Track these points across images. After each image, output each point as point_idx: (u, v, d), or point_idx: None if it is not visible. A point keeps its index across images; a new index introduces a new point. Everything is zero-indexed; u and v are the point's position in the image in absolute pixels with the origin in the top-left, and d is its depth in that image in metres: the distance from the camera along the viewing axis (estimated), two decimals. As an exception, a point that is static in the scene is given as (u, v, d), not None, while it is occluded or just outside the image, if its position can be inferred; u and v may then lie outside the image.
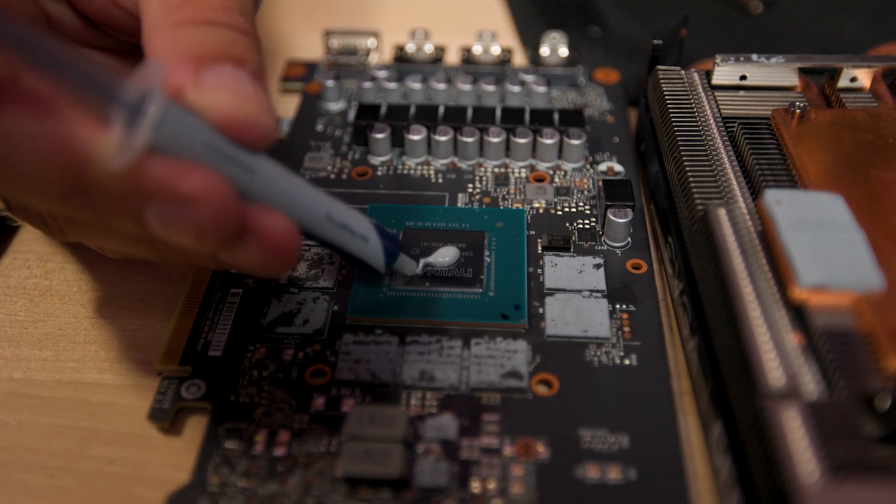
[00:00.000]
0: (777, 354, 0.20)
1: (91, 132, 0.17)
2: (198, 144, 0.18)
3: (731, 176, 0.26)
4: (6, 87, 0.17)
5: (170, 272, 0.29)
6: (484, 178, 0.32)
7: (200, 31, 0.20)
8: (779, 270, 0.22)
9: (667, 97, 0.30)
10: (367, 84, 0.35)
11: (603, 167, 0.32)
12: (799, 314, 0.21)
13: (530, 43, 0.40)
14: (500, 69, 0.37)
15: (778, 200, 0.23)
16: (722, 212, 0.24)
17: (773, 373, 0.20)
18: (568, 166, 0.32)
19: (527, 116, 0.33)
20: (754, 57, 0.30)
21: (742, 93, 0.30)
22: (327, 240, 0.23)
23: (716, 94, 0.30)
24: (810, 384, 0.20)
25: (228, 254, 0.19)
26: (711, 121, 0.29)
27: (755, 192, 0.26)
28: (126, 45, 0.28)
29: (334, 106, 0.35)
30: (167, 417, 0.24)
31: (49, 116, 0.17)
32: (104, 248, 0.24)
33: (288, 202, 0.21)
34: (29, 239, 0.31)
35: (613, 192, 0.29)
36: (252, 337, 0.26)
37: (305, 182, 0.22)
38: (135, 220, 0.18)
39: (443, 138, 0.32)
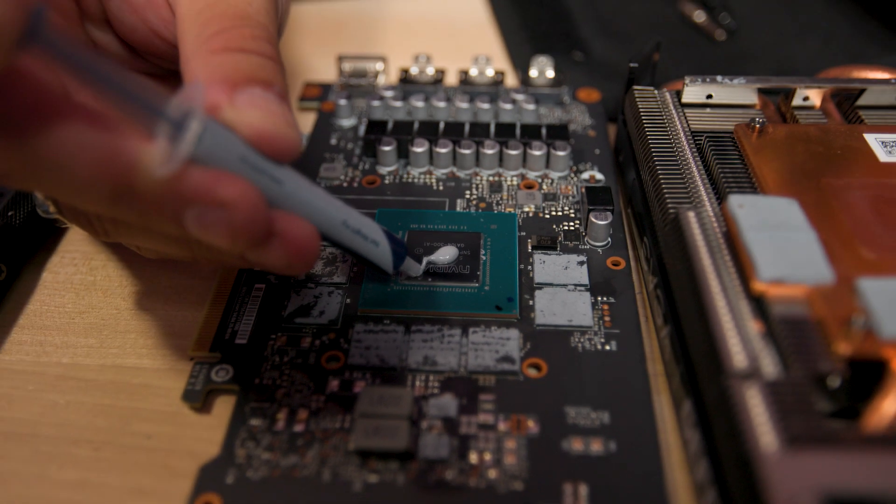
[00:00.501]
0: (740, 340, 0.20)
1: (137, 144, 0.18)
2: (233, 157, 0.19)
3: (699, 183, 0.26)
4: (61, 102, 0.17)
5: (200, 270, 0.29)
6: (480, 186, 0.32)
7: (233, 57, 0.21)
8: (741, 266, 0.22)
9: (642, 114, 0.30)
10: (376, 103, 0.35)
11: (585, 176, 0.32)
12: (759, 304, 0.22)
13: (520, 66, 0.40)
14: (494, 89, 0.37)
15: (740, 204, 0.23)
16: (691, 215, 0.24)
17: (737, 356, 0.20)
18: (554, 175, 0.32)
19: (518, 131, 0.33)
20: (719, 78, 0.30)
21: (708, 110, 0.31)
22: (342, 243, 0.23)
23: (685, 111, 0.30)
24: (769, 366, 0.20)
25: (256, 254, 0.20)
26: (681, 134, 0.29)
27: (720, 197, 0.26)
28: (164, 69, 0.28)
29: (346, 122, 0.36)
30: (199, 398, 0.24)
31: (100, 129, 0.17)
32: (142, 249, 0.24)
33: (309, 209, 0.21)
34: (75, 240, 0.31)
35: (595, 197, 0.29)
36: (274, 327, 0.26)
37: (324, 192, 0.22)
38: (174, 222, 0.19)
39: (443, 150, 0.32)
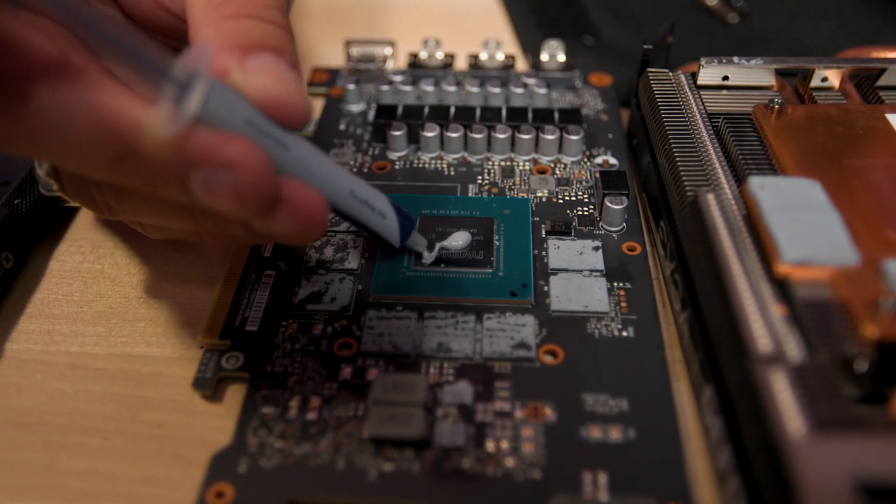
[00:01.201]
0: (764, 323, 0.20)
1: (139, 106, 0.17)
2: (239, 119, 0.18)
3: (717, 165, 0.26)
4: (59, 65, 0.17)
5: (210, 256, 0.29)
6: (492, 171, 0.31)
7: (244, 23, 0.20)
8: (763, 248, 0.22)
9: (657, 96, 0.29)
10: (385, 87, 0.35)
11: (599, 160, 0.32)
12: (782, 287, 0.21)
13: (530, 50, 0.40)
14: (505, 74, 0.37)
15: (761, 186, 0.23)
16: (711, 197, 0.23)
17: (761, 340, 0.19)
18: (567, 160, 0.32)
19: (530, 115, 0.33)
20: (736, 59, 0.30)
21: (724, 92, 0.30)
22: (349, 214, 0.23)
23: (701, 93, 0.30)
24: (794, 350, 0.19)
25: (262, 222, 0.19)
26: (698, 117, 0.28)
27: (739, 179, 0.26)
28: (169, 48, 0.27)
29: (355, 107, 0.35)
30: (209, 386, 0.24)
31: (101, 91, 0.17)
32: (146, 227, 0.24)
33: (316, 177, 0.21)
34: (82, 228, 0.30)
35: (610, 182, 0.29)
36: (285, 314, 0.26)
37: (332, 160, 0.22)
38: (180, 187, 0.18)
39: (454, 135, 0.32)
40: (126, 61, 0.17)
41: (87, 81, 0.17)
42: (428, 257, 0.27)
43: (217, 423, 0.23)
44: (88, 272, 0.29)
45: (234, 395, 0.24)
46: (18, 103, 0.17)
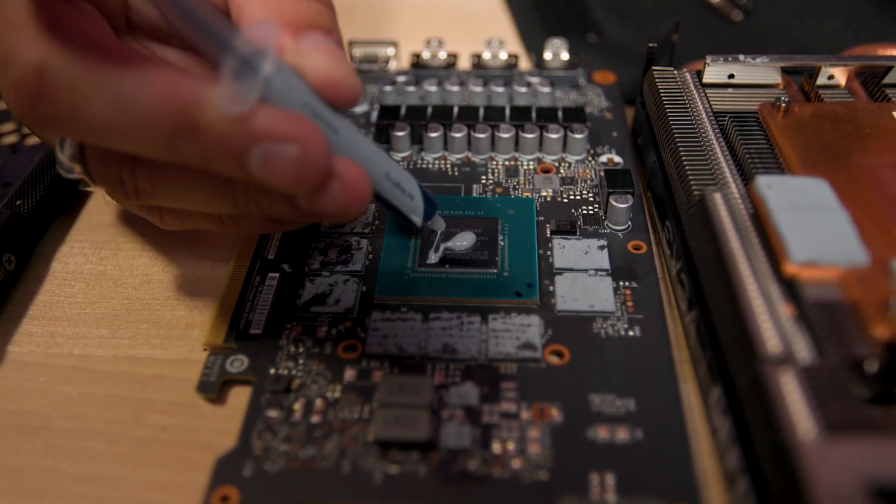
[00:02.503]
0: (773, 324, 0.20)
1: (201, 82, 0.18)
2: (298, 101, 0.19)
3: (724, 164, 0.26)
4: (121, 48, 0.18)
5: (214, 257, 0.29)
6: (496, 171, 0.31)
7: (294, 2, 0.21)
8: (771, 248, 0.22)
9: (662, 95, 0.29)
10: (388, 88, 0.35)
11: (603, 159, 0.32)
12: (791, 288, 0.21)
13: (534, 49, 0.40)
14: (508, 73, 0.36)
15: (769, 185, 0.23)
16: (718, 196, 0.23)
17: (770, 341, 0.19)
18: (572, 158, 0.32)
19: (533, 114, 0.33)
20: (741, 57, 0.30)
21: (730, 90, 0.30)
22: (381, 193, 0.24)
23: (706, 91, 0.30)
24: (804, 350, 0.19)
25: (312, 199, 0.20)
26: (703, 115, 0.28)
27: (746, 178, 0.25)
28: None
29: (358, 108, 0.35)
30: (214, 389, 0.23)
31: (162, 68, 0.18)
32: (165, 216, 0.24)
33: (360, 158, 0.21)
34: (85, 229, 0.30)
35: (615, 180, 0.28)
36: (289, 316, 0.25)
37: (373, 143, 0.23)
38: (237, 163, 0.18)
39: (457, 135, 0.32)
40: (191, 27, 0.17)
41: (146, 61, 0.18)
42: (433, 258, 0.27)
43: (222, 426, 0.23)
44: (91, 274, 0.28)
45: (239, 398, 0.24)
46: (81, 81, 0.17)
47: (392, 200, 0.24)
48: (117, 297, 0.27)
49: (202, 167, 0.19)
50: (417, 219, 0.26)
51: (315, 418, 0.22)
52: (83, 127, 0.18)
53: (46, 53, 0.17)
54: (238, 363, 0.24)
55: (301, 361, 0.24)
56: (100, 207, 0.31)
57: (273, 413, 0.23)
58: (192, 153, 0.18)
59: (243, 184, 0.21)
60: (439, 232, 0.27)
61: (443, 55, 0.37)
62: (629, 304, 0.25)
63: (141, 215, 0.25)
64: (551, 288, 0.26)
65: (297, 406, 0.23)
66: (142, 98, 0.17)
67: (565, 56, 0.36)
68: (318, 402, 0.23)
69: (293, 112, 0.19)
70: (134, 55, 0.18)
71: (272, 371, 0.24)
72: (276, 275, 0.27)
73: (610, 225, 0.28)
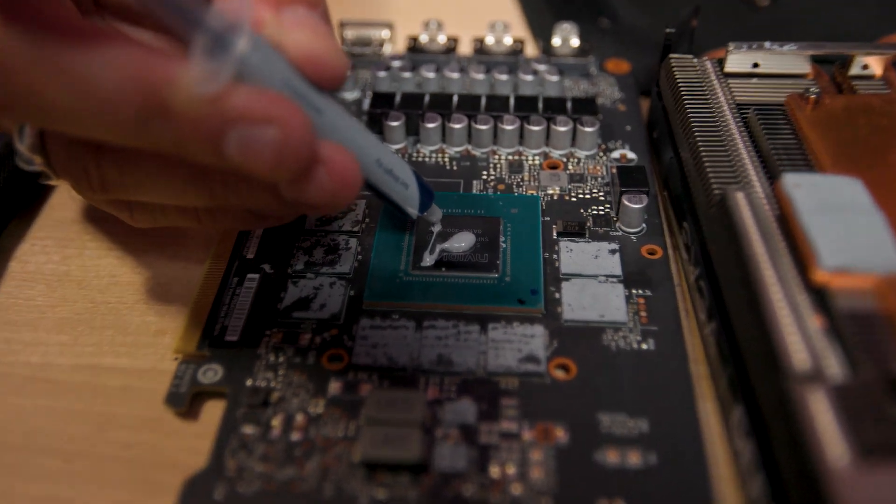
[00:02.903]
0: (801, 337, 0.19)
1: (170, 60, 0.17)
2: (277, 79, 0.19)
3: (747, 161, 0.25)
4: (83, 24, 0.17)
5: (187, 257, 0.28)
6: (498, 166, 0.31)
7: None
8: (799, 254, 0.21)
9: (680, 85, 0.29)
10: (382, 73, 0.34)
11: (616, 154, 0.31)
12: (821, 297, 0.21)
13: (541, 34, 0.39)
14: (513, 59, 0.36)
15: (797, 184, 0.23)
16: (740, 196, 0.23)
17: (798, 355, 0.19)
18: (581, 153, 0.31)
19: (540, 105, 0.32)
20: (767, 45, 0.29)
21: (754, 80, 0.30)
22: (372, 182, 0.24)
23: (729, 81, 0.29)
24: (835, 367, 0.19)
25: (296, 187, 0.19)
26: (725, 107, 0.28)
27: (771, 176, 0.25)
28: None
29: (349, 95, 0.35)
30: (184, 402, 0.23)
31: (128, 46, 0.17)
32: (135, 212, 0.24)
33: (348, 142, 0.21)
34: (47, 225, 0.30)
35: (628, 178, 0.28)
36: (269, 322, 0.25)
37: (362, 126, 0.22)
38: (212, 148, 0.18)
39: (457, 126, 0.31)
40: (158, 6, 0.17)
41: (111, 38, 0.17)
42: (428, 260, 0.26)
43: (192, 443, 0.23)
44: (52, 274, 0.28)
45: (211, 413, 0.23)
46: (39, 63, 0.17)
47: (384, 189, 0.24)
48: (81, 300, 0.27)
49: (174, 154, 0.19)
50: (413, 210, 0.26)
51: (295, 435, 0.22)
52: (42, 113, 0.18)
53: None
54: (211, 373, 0.24)
55: (281, 372, 0.24)
56: (64, 202, 0.31)
57: (249, 429, 0.22)
58: (163, 138, 0.18)
59: (221, 173, 0.20)
60: (435, 232, 0.27)
61: (442, 39, 0.37)
62: (643, 313, 0.25)
63: (109, 211, 0.25)
64: (557, 295, 0.26)
65: (276, 422, 0.22)
66: (105, 79, 0.17)
67: (575, 42, 0.36)
68: (300, 418, 0.22)
69: (272, 91, 0.18)
70: (97, 33, 0.17)
71: (249, 382, 0.23)
72: (256, 276, 0.27)
73: (622, 227, 0.28)
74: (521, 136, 0.32)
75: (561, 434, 0.22)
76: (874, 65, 0.29)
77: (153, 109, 0.18)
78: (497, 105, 0.32)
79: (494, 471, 0.21)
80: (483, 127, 0.31)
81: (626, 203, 0.28)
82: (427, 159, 0.31)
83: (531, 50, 0.39)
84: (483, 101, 0.33)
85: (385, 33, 0.37)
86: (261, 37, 0.19)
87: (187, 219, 0.23)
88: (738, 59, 0.30)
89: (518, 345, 0.24)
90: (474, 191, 0.30)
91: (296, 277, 0.26)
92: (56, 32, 0.17)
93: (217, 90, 0.17)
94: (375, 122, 0.32)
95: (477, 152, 0.32)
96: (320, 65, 0.20)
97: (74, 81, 0.17)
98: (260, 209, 0.23)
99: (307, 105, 0.20)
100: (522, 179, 0.30)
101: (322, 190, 0.20)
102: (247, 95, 0.18)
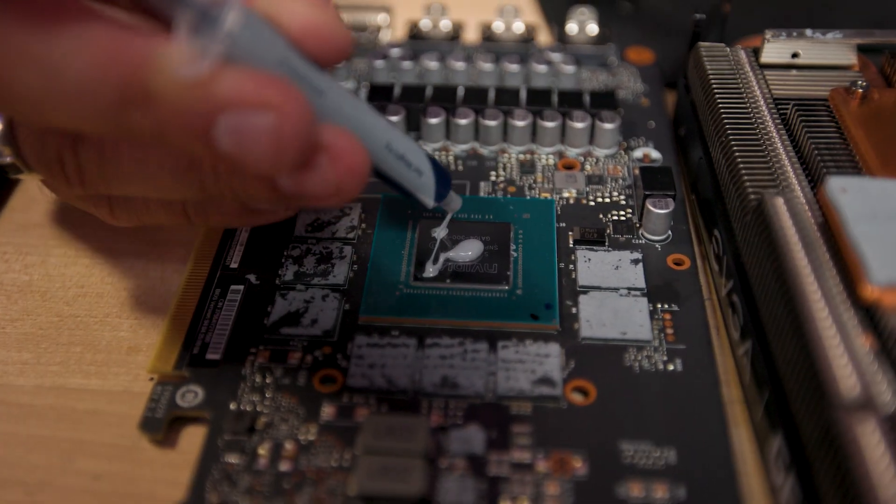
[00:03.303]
0: (849, 360, 0.19)
1: (150, 39, 0.17)
2: (272, 58, 0.19)
3: (787, 162, 0.25)
4: (53, 1, 0.17)
5: (164, 266, 0.28)
6: (508, 166, 0.31)
7: None
8: (846, 267, 0.21)
9: (711, 76, 0.29)
10: (379, 63, 0.35)
11: (638, 153, 0.31)
12: (870, 315, 0.20)
13: (556, 20, 0.39)
14: (524, 47, 0.36)
15: (843, 189, 0.22)
16: (779, 201, 0.23)
17: (846, 381, 0.19)
18: (600, 152, 0.31)
19: (554, 98, 0.32)
20: (808, 32, 0.29)
21: (794, 72, 0.30)
22: (382, 169, 0.23)
23: (765, 73, 0.30)
24: (887, 393, 0.19)
25: (296, 178, 0.19)
26: (762, 102, 0.28)
27: (814, 179, 0.25)
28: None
29: (343, 86, 0.35)
30: (160, 427, 0.23)
31: (102, 24, 0.17)
32: (116, 208, 0.24)
33: (353, 126, 0.21)
34: (7, 230, 0.30)
35: (652, 180, 0.28)
36: (255, 338, 0.25)
37: (369, 107, 0.22)
38: (200, 136, 0.18)
39: (463, 122, 0.31)
40: None
41: (83, 15, 0.17)
42: (431, 271, 0.27)
43: (169, 474, 0.23)
44: (13, 284, 0.28)
45: (191, 440, 0.23)
46: (2, 45, 0.17)
47: (395, 177, 0.24)
48: (45, 313, 0.27)
49: (158, 144, 0.19)
50: (428, 199, 0.25)
51: (284, 466, 0.22)
52: (10, 100, 0.18)
53: None
54: (191, 396, 0.24)
55: (268, 395, 0.24)
56: (26, 204, 0.31)
57: (233, 458, 0.22)
58: (144, 127, 0.18)
59: (211, 162, 0.20)
60: (438, 239, 0.27)
61: (446, 24, 0.37)
62: (669, 331, 0.25)
63: (85, 209, 0.25)
64: (574, 310, 0.26)
65: (263, 450, 0.22)
66: (79, 61, 0.17)
67: (594, 29, 0.36)
68: (289, 446, 0.22)
69: (266, 72, 0.18)
70: (68, 9, 0.17)
71: (232, 406, 0.23)
72: (240, 287, 0.27)
73: (646, 234, 0.28)
74: (534, 133, 0.32)
75: (579, 465, 0.22)
76: (927, 55, 0.29)
77: (132, 96, 0.17)
78: (507, 98, 0.32)
79: (505, 506, 0.21)
80: (491, 123, 0.31)
81: (651, 208, 0.28)
82: (430, 158, 0.31)
83: (544, 37, 0.39)
84: (491, 94, 0.33)
85: (382, 18, 0.37)
86: (252, 10, 0.18)
87: (174, 214, 0.23)
88: (775, 49, 0.30)
89: (531, 365, 0.24)
90: (482, 193, 0.30)
91: (284, 289, 0.26)
92: (20, 8, 0.17)
93: (204, 72, 0.17)
94: (372, 117, 0.32)
95: (485, 151, 0.32)
96: (321, 38, 0.20)
97: (43, 64, 0.17)
98: (255, 202, 0.23)
99: (306, 86, 0.19)
100: (535, 181, 0.30)
101: (325, 180, 0.19)
102: (238, 77, 0.18)
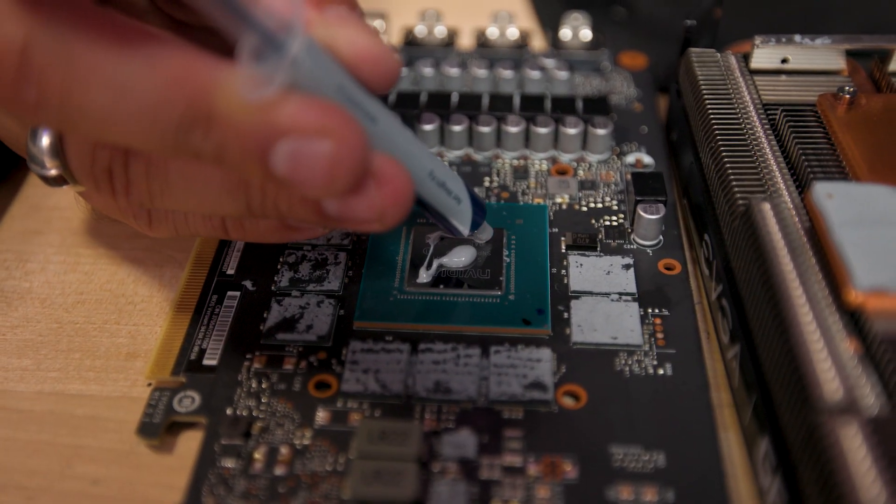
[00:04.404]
0: (833, 364, 0.19)
1: (215, 63, 0.17)
2: (332, 85, 0.19)
3: (775, 168, 0.25)
4: (118, 23, 0.17)
5: (162, 273, 0.29)
6: (501, 171, 0.31)
7: None
8: (831, 271, 0.21)
9: (701, 82, 0.29)
10: (374, 69, 0.34)
11: (631, 159, 0.31)
12: (854, 320, 0.21)
13: (550, 25, 0.39)
14: (518, 53, 0.36)
15: (829, 194, 0.23)
16: (766, 206, 0.23)
17: (830, 384, 0.19)
18: (593, 158, 0.31)
19: (548, 104, 0.32)
20: (797, 38, 0.30)
21: (783, 77, 0.30)
22: (425, 196, 0.23)
23: (755, 78, 0.30)
24: (870, 397, 0.19)
25: (344, 203, 0.19)
26: (751, 107, 0.28)
27: (801, 185, 0.25)
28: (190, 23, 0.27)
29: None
30: (158, 433, 0.23)
31: (169, 47, 0.17)
32: (155, 219, 0.24)
33: (401, 154, 0.21)
34: (7, 237, 0.30)
35: (644, 185, 0.28)
36: (251, 344, 0.25)
37: (413, 135, 0.22)
38: (257, 160, 0.18)
39: (457, 128, 0.31)
40: (206, 2, 0.17)
41: (152, 37, 0.17)
42: (424, 277, 0.27)
43: (166, 478, 0.23)
44: (13, 291, 0.28)
45: (188, 445, 0.23)
46: (74, 62, 0.17)
47: (436, 204, 0.24)
48: (45, 319, 0.27)
49: (215, 165, 0.19)
50: (464, 227, 0.25)
51: (279, 470, 0.22)
52: (75, 117, 0.18)
53: (31, 27, 0.17)
54: (188, 401, 0.24)
55: (264, 400, 0.24)
56: (27, 212, 0.31)
57: (229, 463, 0.22)
58: (205, 149, 0.18)
59: (262, 183, 0.20)
60: (432, 246, 0.27)
61: (441, 31, 0.37)
62: (659, 335, 0.25)
63: (124, 220, 0.25)
64: (566, 315, 0.26)
65: (259, 455, 0.22)
66: (147, 82, 0.17)
67: (587, 34, 0.36)
68: (284, 451, 0.23)
69: (326, 100, 0.18)
70: (137, 31, 0.17)
71: (229, 411, 0.23)
72: (237, 294, 0.27)
73: (637, 240, 0.28)
74: (527, 139, 0.32)
75: (569, 469, 0.22)
76: (916, 60, 0.30)
77: (197, 117, 0.17)
78: (500, 104, 0.32)
79: (497, 510, 0.21)
80: (485, 129, 0.31)
81: (642, 213, 0.28)
82: (424, 164, 0.31)
83: (538, 43, 0.39)
84: (485, 100, 0.33)
85: (378, 24, 0.37)
86: (312, 37, 0.18)
87: (213, 228, 0.24)
88: (765, 54, 0.30)
89: (523, 370, 0.24)
90: (476, 199, 0.30)
91: (280, 296, 0.26)
92: (93, 29, 0.17)
93: (269, 97, 0.17)
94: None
95: (478, 156, 0.32)
96: (374, 65, 0.20)
97: (112, 83, 0.17)
98: (296, 222, 0.23)
99: (361, 113, 0.19)
100: (528, 187, 0.30)
101: (370, 207, 0.19)
102: (300, 105, 0.18)
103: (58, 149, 0.21)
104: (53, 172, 0.22)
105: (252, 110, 0.17)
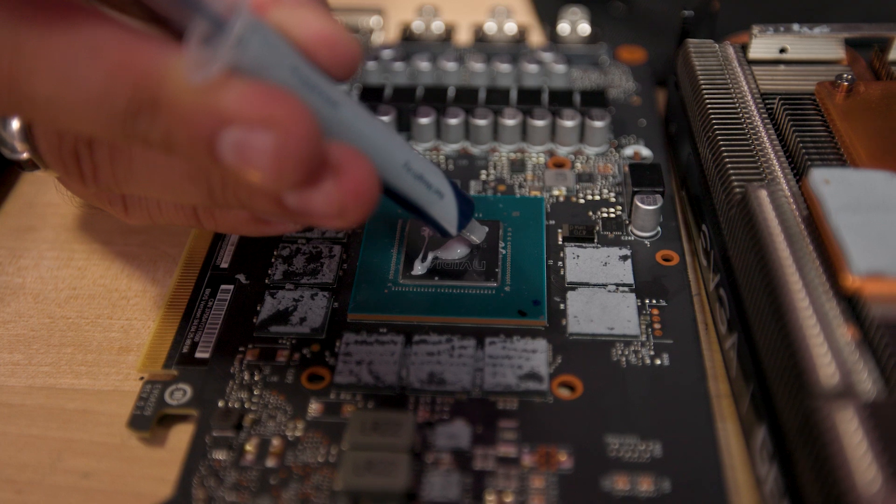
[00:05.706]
0: (829, 350, 0.19)
1: (162, 47, 0.17)
2: (284, 68, 0.18)
3: (772, 155, 0.25)
4: (60, 5, 0.17)
5: (154, 267, 0.29)
6: (498, 165, 0.31)
7: None
8: (828, 257, 0.21)
9: (699, 73, 0.29)
10: (371, 65, 0.35)
11: (629, 151, 0.31)
12: (851, 305, 0.20)
13: (548, 19, 0.39)
14: (516, 48, 0.36)
15: (826, 180, 0.22)
16: (763, 193, 0.23)
17: (826, 370, 0.19)
18: (590, 151, 0.31)
19: (545, 97, 0.32)
20: (795, 27, 0.29)
21: (782, 67, 0.30)
22: (401, 191, 0.22)
23: (753, 68, 0.30)
24: (867, 382, 0.19)
25: (300, 196, 0.19)
26: (749, 97, 0.28)
27: (799, 172, 0.25)
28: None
29: (335, 88, 0.35)
30: (149, 425, 0.23)
31: (114, 29, 0.17)
32: (130, 206, 0.24)
33: (367, 143, 0.20)
34: (1, 234, 0.30)
35: (641, 177, 0.28)
36: (243, 337, 0.25)
37: (384, 123, 0.22)
38: (205, 149, 0.18)
39: (453, 121, 0.31)
40: None
41: (98, 20, 0.17)
42: (419, 268, 0.27)
43: (157, 471, 0.23)
44: (6, 287, 0.28)
45: (179, 437, 0.23)
46: (17, 48, 0.17)
47: (414, 198, 0.23)
48: (37, 314, 0.27)
49: (166, 152, 0.19)
50: (450, 226, 0.25)
51: (271, 462, 0.22)
52: (24, 104, 0.18)
53: None
54: (179, 394, 0.24)
55: (256, 392, 0.24)
56: (20, 209, 0.31)
57: (220, 455, 0.22)
58: (153, 135, 0.18)
59: (219, 172, 0.20)
60: (427, 237, 0.27)
61: (438, 26, 0.37)
62: (656, 326, 0.25)
63: (101, 207, 0.25)
64: (562, 306, 0.26)
65: (250, 446, 0.22)
66: (93, 67, 0.17)
67: (585, 28, 0.36)
68: (276, 443, 0.22)
69: (273, 86, 0.18)
70: (82, 14, 0.17)
71: (220, 404, 0.23)
72: (230, 287, 0.27)
73: (635, 231, 0.28)
74: (524, 132, 0.32)
75: (564, 459, 0.22)
76: (916, 49, 0.29)
77: (142, 102, 0.17)
78: (497, 98, 0.32)
79: (490, 500, 0.21)
80: (482, 122, 0.31)
81: (640, 204, 0.28)
82: (420, 158, 0.31)
83: (536, 37, 0.39)
84: (482, 93, 0.33)
85: (375, 20, 0.37)
86: (262, 19, 0.18)
87: (185, 217, 0.23)
88: (763, 44, 0.30)
89: (518, 361, 0.24)
90: (472, 192, 0.30)
91: (273, 288, 0.26)
92: (36, 13, 0.17)
93: (211, 77, 0.17)
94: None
95: (475, 150, 0.32)
96: (332, 49, 0.19)
97: (55, 70, 0.17)
98: (262, 215, 0.22)
99: (321, 97, 0.19)
100: (525, 179, 0.30)
101: (328, 202, 0.19)
102: (243, 90, 0.17)
103: (26, 133, 0.21)
104: (25, 156, 0.22)
105: (195, 93, 0.17)
